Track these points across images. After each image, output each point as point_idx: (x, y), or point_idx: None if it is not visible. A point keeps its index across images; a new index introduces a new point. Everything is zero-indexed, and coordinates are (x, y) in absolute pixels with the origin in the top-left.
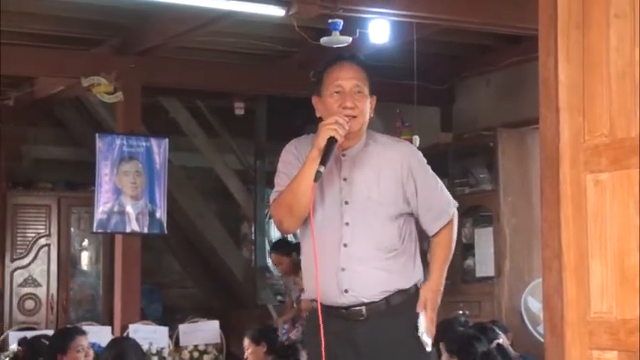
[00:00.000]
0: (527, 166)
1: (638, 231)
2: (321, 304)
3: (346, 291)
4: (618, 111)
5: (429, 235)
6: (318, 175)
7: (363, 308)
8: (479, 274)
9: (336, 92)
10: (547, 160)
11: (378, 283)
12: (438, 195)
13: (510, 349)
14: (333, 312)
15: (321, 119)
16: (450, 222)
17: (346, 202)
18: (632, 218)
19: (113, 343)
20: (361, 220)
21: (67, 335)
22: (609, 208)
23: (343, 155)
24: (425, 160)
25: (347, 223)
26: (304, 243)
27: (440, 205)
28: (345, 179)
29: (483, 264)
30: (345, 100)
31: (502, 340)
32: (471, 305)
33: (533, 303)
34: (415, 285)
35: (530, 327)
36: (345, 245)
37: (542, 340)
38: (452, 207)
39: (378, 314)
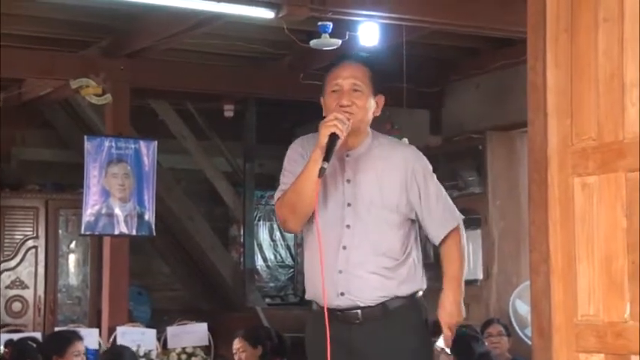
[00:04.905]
0: (516, 169)
1: (625, 234)
2: (318, 305)
3: (342, 294)
4: (606, 114)
5: (435, 243)
6: (321, 171)
7: (359, 312)
8: (467, 276)
9: (334, 91)
10: (535, 164)
11: (374, 288)
12: (442, 202)
13: (506, 353)
14: (329, 314)
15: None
16: (455, 232)
17: (349, 204)
18: (619, 221)
19: (110, 350)
20: (362, 224)
21: (66, 339)
22: (596, 211)
23: (347, 156)
24: (430, 167)
25: (348, 226)
26: (307, 243)
27: (443, 213)
28: (348, 181)
29: (472, 267)
30: (342, 98)
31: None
32: None
33: (521, 306)
34: (416, 292)
35: (518, 330)
36: (344, 248)
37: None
38: (456, 217)
39: (374, 318)
